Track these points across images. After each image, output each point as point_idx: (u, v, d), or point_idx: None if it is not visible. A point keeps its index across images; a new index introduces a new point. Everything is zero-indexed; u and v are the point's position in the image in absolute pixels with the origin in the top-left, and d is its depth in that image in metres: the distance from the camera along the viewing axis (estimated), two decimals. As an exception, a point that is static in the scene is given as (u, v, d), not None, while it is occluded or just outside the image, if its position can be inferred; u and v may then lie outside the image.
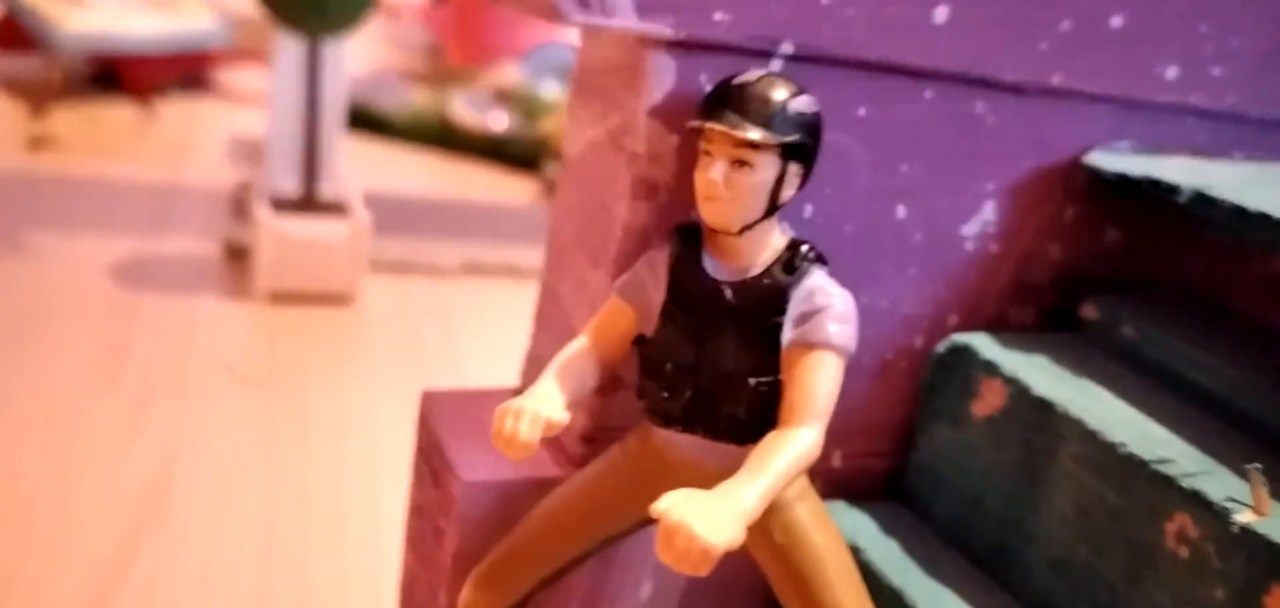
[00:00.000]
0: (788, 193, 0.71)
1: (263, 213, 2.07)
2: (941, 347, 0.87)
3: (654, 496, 0.74)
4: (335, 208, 2.14)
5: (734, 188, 0.69)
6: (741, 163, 0.69)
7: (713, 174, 0.69)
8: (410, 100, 3.34)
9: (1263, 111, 0.95)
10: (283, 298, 2.11)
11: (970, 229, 0.88)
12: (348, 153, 2.58)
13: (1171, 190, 0.84)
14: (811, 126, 0.71)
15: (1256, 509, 0.69)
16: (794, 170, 0.70)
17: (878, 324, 0.87)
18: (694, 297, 0.72)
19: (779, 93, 0.69)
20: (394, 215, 2.53)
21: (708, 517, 0.61)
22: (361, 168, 2.83)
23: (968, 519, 0.86)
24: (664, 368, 0.73)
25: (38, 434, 1.63)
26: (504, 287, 2.33)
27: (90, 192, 2.57)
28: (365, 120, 3.25)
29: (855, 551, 0.85)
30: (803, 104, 0.70)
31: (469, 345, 2.06)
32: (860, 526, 0.87)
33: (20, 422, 1.65)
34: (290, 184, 2.18)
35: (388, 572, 1.38)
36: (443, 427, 0.87)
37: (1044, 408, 0.80)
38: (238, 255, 2.25)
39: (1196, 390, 0.83)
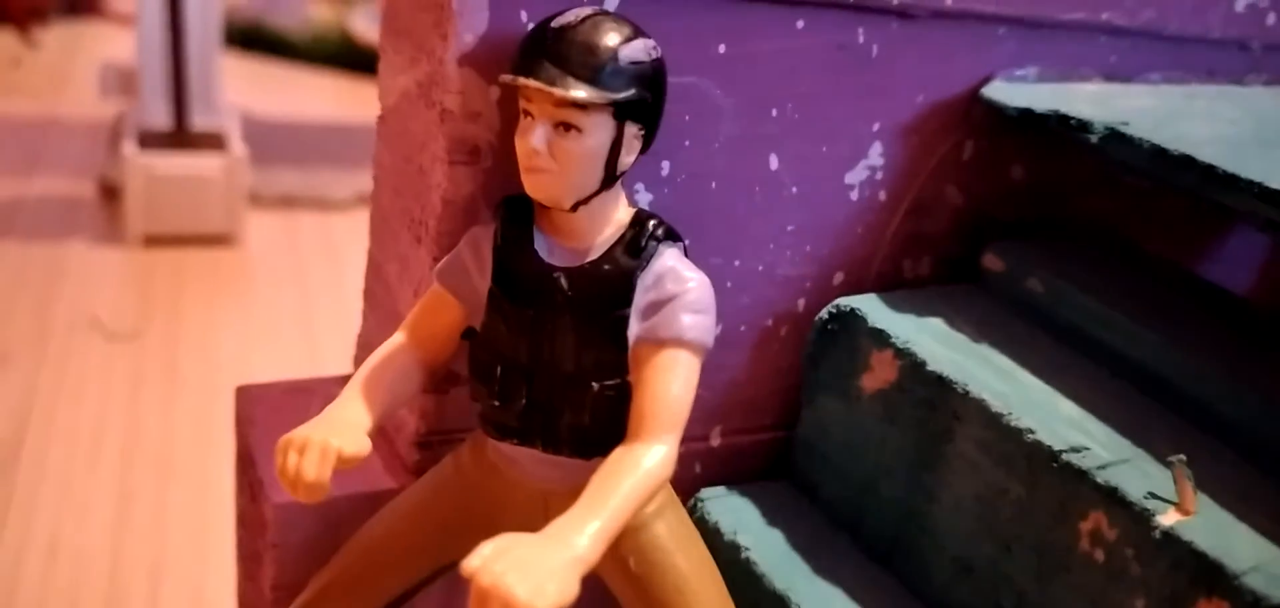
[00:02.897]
0: (628, 159, 0.59)
1: (130, 149, 1.92)
2: (825, 312, 0.76)
3: (491, 517, 0.64)
4: (210, 140, 1.99)
5: (561, 157, 0.57)
6: (567, 126, 0.57)
7: (534, 141, 0.57)
8: (309, 17, 3.17)
9: (1181, 26, 0.85)
10: (158, 241, 1.97)
11: (855, 176, 0.76)
12: (238, 77, 2.42)
13: (1083, 127, 0.73)
14: (651, 78, 0.58)
15: (1182, 508, 0.59)
16: (633, 132, 0.59)
17: (753, 289, 0.76)
18: (524, 285, 0.61)
19: (609, 38, 0.57)
20: (285, 145, 2.38)
21: (529, 575, 0.50)
22: (254, 93, 2.67)
23: (860, 505, 0.76)
24: (494, 370, 0.62)
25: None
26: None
27: (-45, 132, 2.40)
28: (261, 40, 3.07)
29: (736, 548, 0.74)
30: (638, 51, 0.58)
31: (359, 285, 1.93)
32: (742, 517, 0.77)
33: None
34: (163, 116, 2.02)
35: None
36: (257, 433, 0.76)
37: (940, 385, 0.69)
38: (114, 194, 2.10)
39: (1113, 355, 0.73)
